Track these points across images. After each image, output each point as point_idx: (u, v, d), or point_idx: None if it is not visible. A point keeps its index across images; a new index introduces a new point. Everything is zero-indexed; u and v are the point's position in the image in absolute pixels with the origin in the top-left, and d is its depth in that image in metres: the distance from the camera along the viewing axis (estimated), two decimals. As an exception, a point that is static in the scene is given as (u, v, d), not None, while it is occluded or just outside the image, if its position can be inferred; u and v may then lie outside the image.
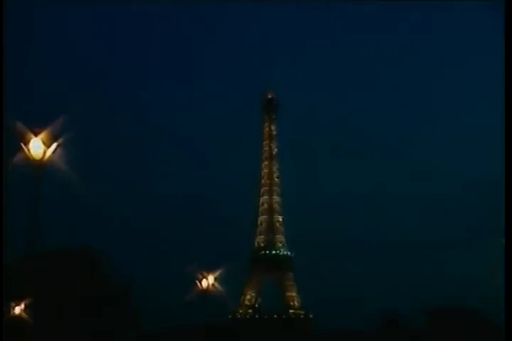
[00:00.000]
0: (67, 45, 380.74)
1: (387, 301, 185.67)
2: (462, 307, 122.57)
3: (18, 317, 67.15)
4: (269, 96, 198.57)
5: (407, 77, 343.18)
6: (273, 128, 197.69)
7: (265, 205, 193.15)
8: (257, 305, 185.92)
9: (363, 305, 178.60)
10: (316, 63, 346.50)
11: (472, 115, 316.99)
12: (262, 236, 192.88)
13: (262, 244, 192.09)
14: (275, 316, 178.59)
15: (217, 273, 74.87)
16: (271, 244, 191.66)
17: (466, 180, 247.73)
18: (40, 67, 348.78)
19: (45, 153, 27.97)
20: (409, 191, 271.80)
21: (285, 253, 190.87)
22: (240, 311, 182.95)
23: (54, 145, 28.12)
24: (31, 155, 27.84)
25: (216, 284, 75.17)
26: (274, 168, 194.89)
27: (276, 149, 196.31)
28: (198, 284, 73.17)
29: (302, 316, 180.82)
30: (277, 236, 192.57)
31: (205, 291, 73.00)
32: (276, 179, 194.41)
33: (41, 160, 27.94)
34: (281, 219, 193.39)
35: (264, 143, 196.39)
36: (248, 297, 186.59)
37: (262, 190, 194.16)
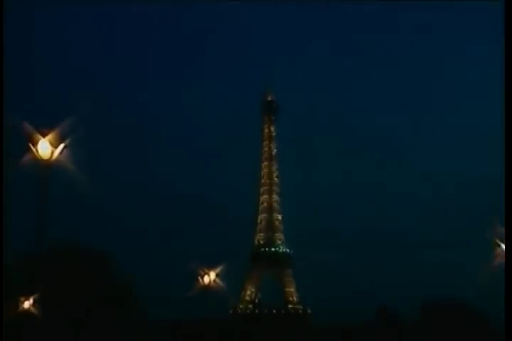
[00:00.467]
0: (68, 46, 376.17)
1: (383, 297, 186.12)
2: (455, 303, 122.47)
3: (26, 312, 67.20)
4: (269, 99, 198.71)
5: (406, 78, 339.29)
6: (272, 129, 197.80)
7: (265, 204, 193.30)
8: (257, 301, 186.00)
9: (360, 301, 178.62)
10: (315, 65, 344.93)
11: (471, 115, 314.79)
12: (262, 234, 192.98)
13: (262, 242, 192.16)
14: (274, 311, 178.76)
15: (218, 270, 74.92)
16: (270, 242, 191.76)
17: (465, 180, 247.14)
18: (44, 69, 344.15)
19: (52, 153, 27.96)
20: (406, 190, 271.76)
21: (284, 250, 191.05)
22: (241, 306, 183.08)
23: (61, 146, 28.11)
24: (39, 156, 27.83)
25: (217, 280, 75.22)
26: (274, 168, 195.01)
27: (275, 150, 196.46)
28: (200, 280, 73.22)
29: (300, 311, 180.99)
30: (277, 234, 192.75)
31: (207, 287, 73.05)
32: (275, 178, 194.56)
33: (49, 160, 27.93)
34: (280, 218, 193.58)
35: (264, 143, 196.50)
36: (248, 292, 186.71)
37: (261, 190, 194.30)
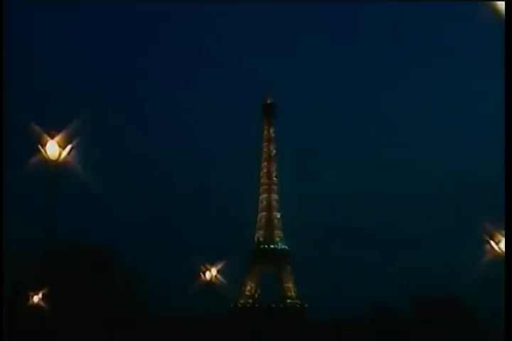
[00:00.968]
0: (69, 46, 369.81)
1: (378, 293, 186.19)
2: (445, 296, 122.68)
3: (37, 305, 67.62)
4: (268, 102, 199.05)
5: (405, 79, 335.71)
6: (272, 131, 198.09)
7: (264, 203, 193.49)
8: (256, 295, 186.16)
9: (354, 296, 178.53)
10: (314, 67, 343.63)
11: (469, 115, 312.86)
12: (262, 232, 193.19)
13: (262, 239, 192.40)
14: (273, 305, 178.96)
15: (219, 266, 74.94)
16: (270, 239, 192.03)
17: (462, 180, 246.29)
18: (46, 70, 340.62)
19: (60, 154, 28.03)
20: (403, 191, 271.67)
21: (283, 247, 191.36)
22: (241, 301, 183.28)
23: (68, 147, 28.18)
24: (48, 156, 27.89)
25: (219, 276, 75.24)
26: (273, 168, 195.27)
27: (274, 151, 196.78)
28: (202, 276, 73.31)
29: (298, 305, 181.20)
30: (276, 231, 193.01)
31: (209, 283, 73.14)
32: (274, 178, 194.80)
33: (57, 160, 28.00)
34: (279, 216, 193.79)
35: (263, 145, 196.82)
36: (248, 288, 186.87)
37: (261, 189, 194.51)
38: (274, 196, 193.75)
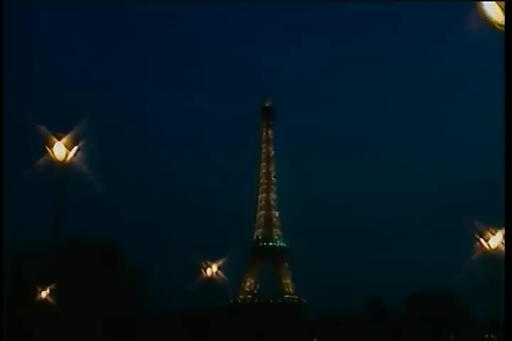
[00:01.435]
0: (71, 47, 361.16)
1: (373, 288, 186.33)
2: (438, 293, 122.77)
3: (45, 300, 67.78)
4: (267, 105, 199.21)
5: (402, 81, 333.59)
6: (270, 133, 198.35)
7: (263, 202, 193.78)
8: (255, 291, 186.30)
9: (350, 292, 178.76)
10: (312, 70, 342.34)
11: (466, 115, 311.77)
12: (261, 230, 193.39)
13: (261, 237, 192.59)
14: (272, 301, 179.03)
15: (220, 263, 74.85)
16: (268, 237, 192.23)
17: (457, 180, 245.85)
18: (48, 72, 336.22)
19: (67, 155, 28.07)
20: (394, 190, 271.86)
21: (281, 245, 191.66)
22: (241, 296, 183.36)
23: (75, 149, 28.22)
24: (55, 157, 27.94)
25: (219, 272, 75.17)
26: (271, 169, 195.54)
27: (273, 152, 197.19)
28: (203, 272, 73.32)
29: (296, 301, 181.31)
30: (274, 229, 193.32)
31: (210, 279, 73.14)
32: (273, 178, 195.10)
33: (64, 161, 28.05)
34: (277, 215, 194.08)
35: (262, 146, 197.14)
36: (248, 284, 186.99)
37: (260, 189, 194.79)
38: (273, 195, 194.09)
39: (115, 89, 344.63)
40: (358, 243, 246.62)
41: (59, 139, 27.94)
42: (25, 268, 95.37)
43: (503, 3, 15.54)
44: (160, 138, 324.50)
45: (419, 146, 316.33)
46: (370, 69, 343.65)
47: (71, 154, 27.99)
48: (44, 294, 68.35)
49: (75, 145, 28.11)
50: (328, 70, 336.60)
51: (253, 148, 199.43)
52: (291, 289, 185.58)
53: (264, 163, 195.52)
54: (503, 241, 42.22)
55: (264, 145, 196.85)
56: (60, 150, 27.89)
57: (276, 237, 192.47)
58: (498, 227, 42.94)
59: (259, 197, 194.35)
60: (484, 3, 15.82)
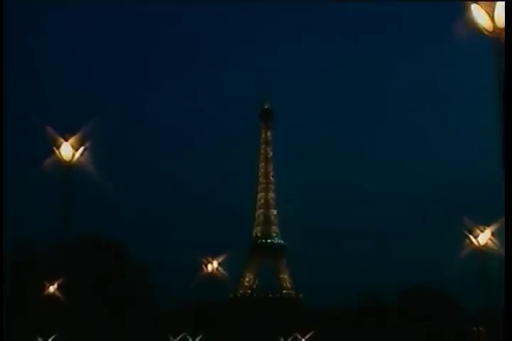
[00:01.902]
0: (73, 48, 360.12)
1: (367, 282, 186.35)
2: (429, 286, 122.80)
3: (53, 295, 67.92)
4: (266, 107, 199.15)
5: (397, 82, 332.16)
6: (269, 134, 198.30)
7: (262, 201, 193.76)
8: (254, 286, 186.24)
9: (346, 286, 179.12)
10: (310, 74, 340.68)
11: (459, 115, 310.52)
12: (259, 227, 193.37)
13: (259, 234, 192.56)
14: (270, 295, 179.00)
15: (220, 259, 74.97)
16: (267, 234, 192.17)
17: (450, 180, 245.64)
18: (50, 74, 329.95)
19: (73, 155, 28.10)
20: (388, 189, 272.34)
21: (279, 241, 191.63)
22: (240, 291, 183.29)
23: (81, 149, 28.25)
24: (62, 158, 27.97)
25: (220, 268, 75.25)
26: (270, 169, 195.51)
27: (271, 152, 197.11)
28: (204, 268, 73.39)
29: (293, 295, 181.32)
30: (272, 227, 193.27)
31: (211, 274, 73.23)
32: (271, 178, 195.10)
33: (70, 161, 28.08)
34: (275, 213, 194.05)
35: (261, 147, 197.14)
36: (247, 279, 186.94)
37: (259, 188, 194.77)
38: (271, 194, 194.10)
39: (115, 89, 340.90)
40: (353, 240, 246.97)
41: (66, 140, 27.99)
42: (34, 264, 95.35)
43: (490, 10, 15.65)
44: (161, 139, 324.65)
45: (415, 147, 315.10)
46: (366, 69, 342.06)
47: (77, 154, 28.04)
48: (52, 289, 68.50)
49: (81, 146, 28.17)
50: (325, 71, 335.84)
51: (252, 149, 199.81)
52: (288, 284, 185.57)
53: (263, 163, 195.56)
54: (492, 238, 42.38)
55: (263, 146, 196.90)
56: (67, 150, 27.93)
57: (274, 234, 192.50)
58: (486, 225, 43.09)
59: (258, 196, 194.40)
60: (473, 10, 15.93)
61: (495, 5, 15.49)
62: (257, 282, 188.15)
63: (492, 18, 15.58)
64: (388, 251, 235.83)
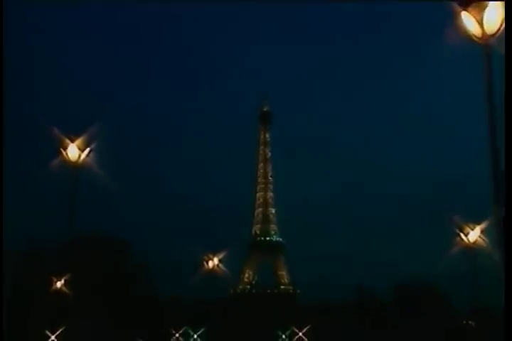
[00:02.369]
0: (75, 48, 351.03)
1: (362, 279, 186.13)
2: (421, 283, 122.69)
3: (59, 290, 68.03)
4: (265, 109, 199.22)
5: (394, 83, 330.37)
6: (267, 135, 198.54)
7: (261, 200, 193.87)
8: (253, 282, 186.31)
9: (341, 283, 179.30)
10: (308, 77, 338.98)
11: (448, 116, 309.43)
12: (259, 226, 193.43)
13: (258, 232, 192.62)
14: (268, 291, 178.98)
15: (221, 256, 75.03)
16: (265, 232, 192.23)
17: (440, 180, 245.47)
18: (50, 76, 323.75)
19: (80, 156, 28.12)
20: (382, 189, 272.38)
21: (277, 239, 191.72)
22: (240, 287, 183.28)
23: (87, 150, 28.28)
24: (68, 158, 27.99)
25: (220, 265, 75.30)
26: (268, 169, 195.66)
27: (270, 153, 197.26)
28: (205, 265, 73.44)
29: (291, 291, 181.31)
30: (271, 225, 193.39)
31: (211, 271, 73.25)
32: (270, 178, 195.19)
33: (77, 162, 28.11)
34: (274, 212, 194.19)
35: (260, 148, 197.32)
36: (246, 275, 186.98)
37: (258, 187, 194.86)
38: (270, 194, 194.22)
39: (116, 90, 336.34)
40: (348, 238, 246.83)
41: (72, 141, 28.02)
42: (41, 261, 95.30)
43: (479, 17, 15.68)
44: (162, 140, 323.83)
45: (409, 147, 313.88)
46: (363, 70, 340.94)
47: (83, 155, 28.07)
48: (59, 284, 68.59)
49: (86, 147, 28.20)
50: (323, 72, 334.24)
51: (251, 150, 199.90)
52: (286, 280, 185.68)
53: (262, 164, 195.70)
54: (481, 236, 42.42)
55: (262, 147, 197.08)
56: (74, 151, 27.97)
57: (272, 232, 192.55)
58: (476, 223, 43.14)
59: (257, 195, 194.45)
60: (463, 17, 15.96)
61: (484, 12, 15.51)
62: (256, 278, 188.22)
63: (481, 24, 15.60)
64: (381, 249, 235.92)
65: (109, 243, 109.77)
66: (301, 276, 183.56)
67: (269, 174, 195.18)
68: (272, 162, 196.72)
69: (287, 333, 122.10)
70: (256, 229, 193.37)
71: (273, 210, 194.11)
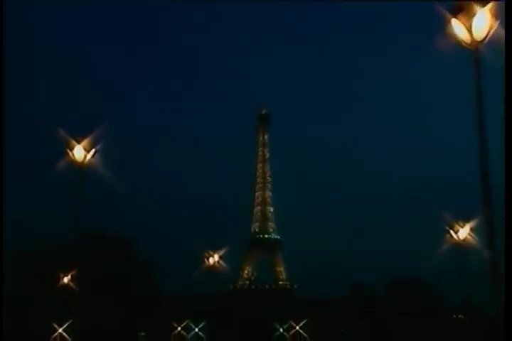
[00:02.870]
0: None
1: (357, 275, 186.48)
2: (413, 278, 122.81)
3: (66, 285, 68.15)
4: (263, 112, 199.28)
5: (391, 84, 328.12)
6: (266, 137, 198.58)
7: (259, 199, 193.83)
8: (252, 278, 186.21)
9: (337, 278, 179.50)
10: (305, 80, 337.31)
11: (435, 116, 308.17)
12: (257, 224, 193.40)
13: (257, 230, 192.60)
14: (267, 286, 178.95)
15: (221, 253, 75.00)
16: (264, 230, 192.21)
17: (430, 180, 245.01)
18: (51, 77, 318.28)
19: (85, 157, 28.11)
20: (378, 189, 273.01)
21: (275, 237, 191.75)
22: (240, 282, 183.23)
23: (92, 151, 28.26)
24: (75, 159, 27.98)
25: (221, 261, 75.28)
26: (267, 169, 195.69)
27: (268, 154, 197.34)
28: (206, 261, 73.42)
29: (288, 286, 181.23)
30: (269, 223, 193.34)
31: (212, 267, 73.25)
32: (268, 178, 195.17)
33: (82, 162, 28.10)
34: (272, 210, 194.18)
35: (259, 149, 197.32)
36: (246, 271, 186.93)
37: (257, 187, 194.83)
38: (268, 193, 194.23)
39: (116, 90, 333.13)
40: (343, 235, 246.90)
41: (78, 142, 28.01)
42: (50, 258, 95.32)
43: (468, 24, 15.72)
44: (163, 140, 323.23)
45: (404, 148, 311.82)
46: (361, 70, 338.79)
47: (89, 156, 28.06)
48: (66, 279, 68.62)
49: (92, 148, 28.19)
50: (321, 72, 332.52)
51: (250, 151, 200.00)
52: (284, 276, 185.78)
53: (261, 164, 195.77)
54: (471, 233, 42.44)
55: (261, 148, 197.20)
56: (80, 152, 27.96)
57: (271, 230, 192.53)
58: (465, 221, 43.17)
59: (256, 194, 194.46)
60: (453, 24, 16.01)
61: (472, 20, 15.58)
62: (255, 274, 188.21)
63: (470, 31, 15.66)
64: (374, 247, 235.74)
65: (114, 241, 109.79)
66: (298, 272, 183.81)
67: (268, 174, 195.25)
68: (270, 162, 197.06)
69: (285, 327, 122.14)
70: (255, 227, 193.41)
71: (271, 209, 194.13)
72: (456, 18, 15.82)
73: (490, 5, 15.46)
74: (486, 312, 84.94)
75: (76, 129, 28.97)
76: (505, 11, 15.40)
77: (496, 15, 15.36)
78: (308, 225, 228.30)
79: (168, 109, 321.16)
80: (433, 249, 55.81)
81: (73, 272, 67.49)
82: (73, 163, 27.95)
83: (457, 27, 15.85)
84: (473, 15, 15.55)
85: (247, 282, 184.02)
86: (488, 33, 15.43)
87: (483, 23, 15.49)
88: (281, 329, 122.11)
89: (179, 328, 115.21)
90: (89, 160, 28.22)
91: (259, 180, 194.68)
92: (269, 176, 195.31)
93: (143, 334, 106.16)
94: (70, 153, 27.90)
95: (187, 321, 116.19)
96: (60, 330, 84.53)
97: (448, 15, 15.98)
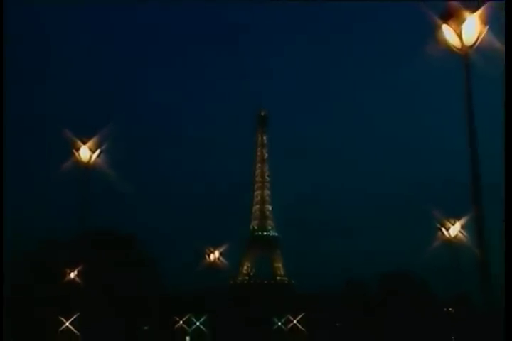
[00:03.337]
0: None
1: (351, 270, 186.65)
2: (404, 273, 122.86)
3: (73, 280, 68.29)
4: (262, 113, 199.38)
5: (386, 85, 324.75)
6: (265, 138, 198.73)
7: (258, 197, 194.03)
8: (251, 274, 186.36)
9: (332, 274, 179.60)
10: (304, 81, 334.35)
11: (427, 115, 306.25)
12: (256, 221, 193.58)
13: (256, 227, 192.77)
14: (265, 282, 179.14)
15: (222, 249, 75.05)
16: (263, 228, 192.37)
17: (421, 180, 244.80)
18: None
19: (91, 157, 28.10)
20: (374, 189, 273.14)
21: (274, 234, 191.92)
22: (239, 278, 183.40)
23: (98, 151, 28.25)
24: (80, 159, 27.97)
25: (221, 257, 75.29)
26: (265, 169, 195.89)
27: (267, 154, 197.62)
28: (207, 257, 73.46)
29: (286, 282, 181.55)
30: (268, 221, 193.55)
31: (213, 263, 73.29)
32: (267, 177, 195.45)
33: (88, 162, 28.09)
34: (270, 209, 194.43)
35: (257, 149, 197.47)
36: (245, 267, 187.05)
37: (256, 186, 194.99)
38: (267, 192, 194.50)
39: (117, 91, 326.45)
40: (339, 233, 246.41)
41: (84, 143, 27.99)
42: (56, 254, 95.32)
43: (458, 30, 15.75)
44: (164, 140, 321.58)
45: (400, 149, 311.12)
46: (357, 71, 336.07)
47: (94, 156, 28.04)
48: (72, 275, 68.71)
49: (97, 149, 28.17)
50: (319, 73, 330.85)
51: (249, 151, 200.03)
52: (282, 272, 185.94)
53: (259, 164, 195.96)
54: (461, 231, 42.51)
55: (259, 148, 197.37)
56: (85, 153, 27.94)
57: (269, 228, 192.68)
58: (456, 218, 43.23)
59: (255, 193, 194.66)
60: (444, 30, 16.03)
61: (462, 26, 15.60)
62: (254, 270, 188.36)
63: (460, 37, 15.69)
64: (368, 244, 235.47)
65: (118, 239, 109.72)
66: (295, 268, 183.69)
67: (266, 174, 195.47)
68: (269, 162, 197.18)
69: (283, 320, 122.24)
70: (254, 224, 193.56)
71: (270, 207, 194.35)
72: (446, 24, 15.84)
73: (479, 11, 15.50)
74: (475, 306, 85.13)
75: (81, 130, 28.95)
76: (505, 11, 15.41)
77: (485, 21, 15.40)
78: (305, 223, 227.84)
79: (168, 109, 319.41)
80: (425, 246, 55.90)
81: (79, 268, 67.58)
82: (79, 163, 27.93)
83: (447, 33, 15.87)
84: (463, 21, 15.58)
85: (247, 277, 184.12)
86: (478, 38, 15.46)
87: (472, 29, 15.52)
88: (279, 323, 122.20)
89: (181, 322, 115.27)
90: (95, 160, 28.21)
91: (258, 179, 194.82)
92: (268, 176, 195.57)
93: (146, 328, 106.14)
94: (76, 154, 27.89)
95: (189, 315, 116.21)
96: (67, 323, 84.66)
97: (438, 20, 16.01)
